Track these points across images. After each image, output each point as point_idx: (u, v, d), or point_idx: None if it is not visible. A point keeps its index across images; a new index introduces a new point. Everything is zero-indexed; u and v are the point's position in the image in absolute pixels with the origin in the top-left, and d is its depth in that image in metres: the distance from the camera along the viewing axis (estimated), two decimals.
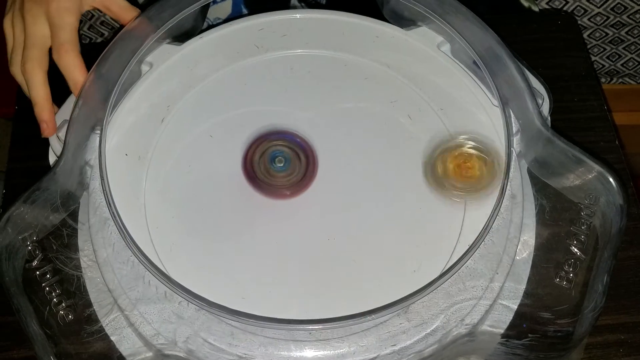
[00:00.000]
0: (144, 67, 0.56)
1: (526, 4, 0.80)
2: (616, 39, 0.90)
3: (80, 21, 0.82)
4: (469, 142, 0.52)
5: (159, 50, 0.57)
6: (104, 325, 0.48)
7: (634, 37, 0.90)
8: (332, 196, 0.51)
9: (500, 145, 0.52)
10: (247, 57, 0.57)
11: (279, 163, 0.52)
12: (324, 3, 0.79)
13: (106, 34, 0.87)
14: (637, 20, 0.87)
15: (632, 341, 0.55)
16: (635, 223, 0.59)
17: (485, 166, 0.51)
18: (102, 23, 0.85)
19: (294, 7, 0.78)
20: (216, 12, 0.78)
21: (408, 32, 0.57)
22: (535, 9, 0.80)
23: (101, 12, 0.82)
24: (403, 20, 0.58)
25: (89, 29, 0.86)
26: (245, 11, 0.78)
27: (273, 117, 0.54)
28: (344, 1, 0.76)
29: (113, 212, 0.48)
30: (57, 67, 0.53)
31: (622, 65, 0.95)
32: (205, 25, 0.78)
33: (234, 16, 0.77)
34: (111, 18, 0.83)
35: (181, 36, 0.57)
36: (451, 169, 0.51)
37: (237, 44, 0.57)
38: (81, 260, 0.49)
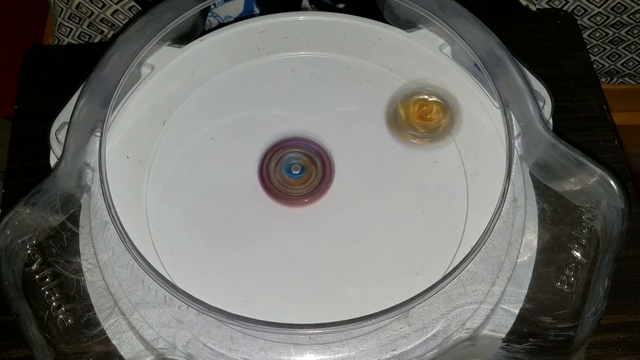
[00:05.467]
0: (145, 70, 0.56)
1: (524, 2, 0.79)
2: (616, 38, 0.90)
3: (80, 19, 0.82)
4: (428, 89, 0.55)
5: (160, 52, 0.56)
6: (104, 328, 0.48)
7: (634, 37, 0.90)
8: (341, 201, 0.51)
9: (456, 92, 0.55)
10: (249, 59, 0.57)
11: (294, 170, 0.52)
12: (342, 8, 0.79)
13: (106, 31, 0.86)
14: (638, 20, 0.87)
15: (631, 341, 0.55)
16: (634, 223, 0.59)
17: (442, 111, 0.54)
18: (102, 20, 0.84)
19: (305, 9, 0.78)
20: (228, 10, 0.77)
21: (409, 34, 0.57)
22: (533, 7, 0.79)
23: (101, 9, 0.83)
24: (404, 23, 0.58)
25: (88, 26, 0.86)
26: (257, 10, 0.78)
27: (274, 120, 0.54)
28: (359, 5, 0.76)
29: (112, 215, 0.48)
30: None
31: (622, 65, 0.95)
32: (216, 23, 0.78)
33: (246, 15, 0.77)
34: (111, 15, 0.83)
35: (181, 38, 0.57)
36: (411, 114, 0.53)
37: (238, 47, 0.57)
38: (82, 264, 0.49)
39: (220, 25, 0.79)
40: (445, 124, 0.53)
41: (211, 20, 0.80)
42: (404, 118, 0.53)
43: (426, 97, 0.54)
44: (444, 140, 0.53)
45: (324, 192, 0.51)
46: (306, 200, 0.51)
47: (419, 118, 0.54)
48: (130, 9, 0.83)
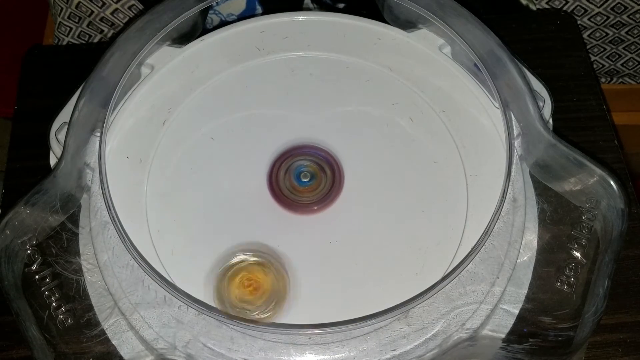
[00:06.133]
0: (145, 70, 0.56)
1: (524, 2, 0.80)
2: (616, 38, 0.90)
3: (80, 18, 0.82)
4: (244, 255, 0.48)
5: (160, 52, 0.56)
6: (104, 329, 0.48)
7: (634, 37, 0.90)
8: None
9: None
10: (249, 59, 0.57)
11: (304, 178, 0.52)
12: (342, 7, 0.79)
13: (105, 30, 0.86)
14: (638, 20, 0.87)
15: (631, 341, 0.55)
16: (634, 223, 0.59)
17: (270, 273, 0.47)
18: (101, 19, 0.84)
19: (307, 8, 0.78)
20: (230, 8, 0.78)
21: (409, 34, 0.57)
22: (533, 7, 0.79)
23: (101, 8, 0.83)
24: (404, 23, 0.58)
25: (88, 25, 0.86)
26: (259, 8, 0.78)
27: (274, 120, 0.54)
28: (359, 5, 0.76)
29: (112, 215, 0.48)
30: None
31: (622, 65, 0.95)
32: (218, 20, 0.78)
33: (248, 12, 0.77)
34: (111, 14, 0.83)
35: (181, 38, 0.57)
36: (238, 292, 0.47)
37: (238, 47, 0.57)
38: (82, 264, 0.49)
39: (222, 22, 0.79)
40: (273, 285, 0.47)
41: (213, 18, 0.80)
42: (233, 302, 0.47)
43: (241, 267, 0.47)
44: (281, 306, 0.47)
45: (334, 199, 0.52)
46: (315, 208, 0.51)
47: (244, 296, 0.47)
48: (130, 7, 0.83)
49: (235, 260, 0.48)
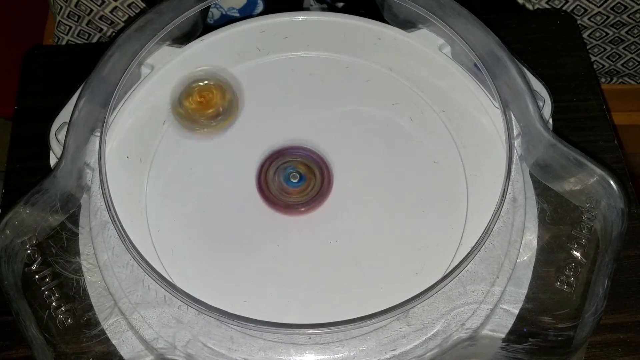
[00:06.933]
0: (145, 70, 0.56)
1: (520, 1, 0.80)
2: (616, 38, 0.90)
3: (79, 17, 0.82)
4: (201, 75, 0.55)
5: (160, 52, 0.56)
6: (104, 328, 0.48)
7: (634, 37, 0.90)
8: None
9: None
10: (248, 59, 0.57)
11: (293, 179, 0.52)
12: (340, 7, 0.79)
13: (105, 29, 0.86)
14: (638, 20, 0.87)
15: (631, 341, 0.55)
16: (634, 223, 0.59)
17: (221, 94, 0.55)
18: (100, 18, 0.84)
19: (308, 8, 0.78)
20: (231, 2, 0.78)
21: (409, 34, 0.57)
22: (530, 6, 0.80)
23: (100, 6, 0.83)
24: (403, 23, 0.58)
25: (87, 24, 0.86)
26: (260, 2, 0.78)
27: (274, 120, 0.54)
28: (358, 4, 0.76)
29: (112, 215, 0.48)
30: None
31: (622, 65, 0.95)
32: (219, 15, 0.79)
33: (249, 7, 0.78)
34: (110, 13, 0.83)
35: (181, 38, 0.57)
36: (194, 104, 0.54)
37: (238, 46, 0.57)
38: (82, 264, 0.49)
39: (223, 16, 0.79)
40: (228, 103, 0.54)
41: (214, 12, 0.80)
42: (189, 111, 0.54)
43: (200, 83, 0.55)
44: (230, 120, 0.54)
45: (325, 196, 0.51)
46: (303, 209, 0.51)
47: (201, 108, 0.54)
48: (129, 6, 0.83)
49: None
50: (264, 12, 0.80)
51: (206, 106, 0.54)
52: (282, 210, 0.51)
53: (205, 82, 0.55)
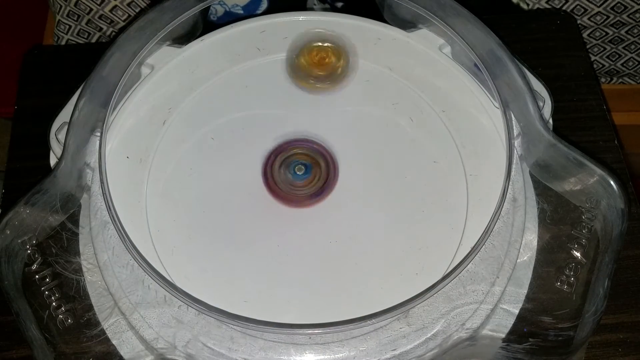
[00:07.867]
0: (145, 70, 0.56)
1: (515, 0, 0.80)
2: (616, 38, 0.90)
3: (79, 16, 0.82)
4: (321, 36, 0.57)
5: (160, 52, 0.56)
6: (104, 328, 0.48)
7: (634, 37, 0.90)
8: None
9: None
10: (249, 59, 0.57)
11: (298, 171, 0.52)
12: (339, 7, 0.79)
13: (104, 28, 0.87)
14: (637, 20, 0.87)
15: (631, 340, 0.55)
16: (634, 223, 0.59)
17: (338, 54, 0.57)
18: (100, 17, 0.85)
19: (311, 8, 0.78)
20: None
21: (409, 34, 0.57)
22: (525, 6, 0.80)
23: (100, 5, 0.83)
24: (403, 23, 0.58)
25: (87, 23, 0.86)
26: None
27: (275, 120, 0.54)
28: (358, 4, 0.76)
29: (112, 215, 0.48)
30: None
31: (622, 65, 0.95)
32: (222, 11, 0.79)
33: (253, 4, 0.78)
34: (110, 12, 0.83)
35: (181, 38, 0.57)
36: (311, 61, 0.56)
37: (238, 46, 0.57)
38: (82, 264, 0.49)
39: (226, 13, 0.79)
40: (343, 66, 0.56)
41: (217, 9, 0.80)
42: (305, 66, 0.56)
43: (320, 44, 0.57)
44: (344, 83, 0.56)
45: (328, 193, 0.51)
46: (309, 202, 0.51)
47: (318, 64, 0.56)
48: (129, 4, 0.83)
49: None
50: (268, 10, 0.81)
51: (322, 67, 0.56)
52: (287, 203, 0.51)
53: (326, 44, 0.57)
